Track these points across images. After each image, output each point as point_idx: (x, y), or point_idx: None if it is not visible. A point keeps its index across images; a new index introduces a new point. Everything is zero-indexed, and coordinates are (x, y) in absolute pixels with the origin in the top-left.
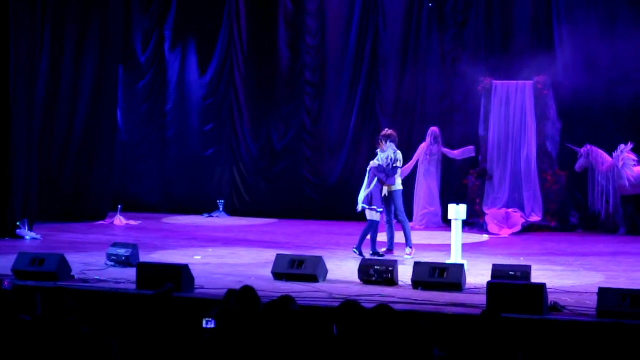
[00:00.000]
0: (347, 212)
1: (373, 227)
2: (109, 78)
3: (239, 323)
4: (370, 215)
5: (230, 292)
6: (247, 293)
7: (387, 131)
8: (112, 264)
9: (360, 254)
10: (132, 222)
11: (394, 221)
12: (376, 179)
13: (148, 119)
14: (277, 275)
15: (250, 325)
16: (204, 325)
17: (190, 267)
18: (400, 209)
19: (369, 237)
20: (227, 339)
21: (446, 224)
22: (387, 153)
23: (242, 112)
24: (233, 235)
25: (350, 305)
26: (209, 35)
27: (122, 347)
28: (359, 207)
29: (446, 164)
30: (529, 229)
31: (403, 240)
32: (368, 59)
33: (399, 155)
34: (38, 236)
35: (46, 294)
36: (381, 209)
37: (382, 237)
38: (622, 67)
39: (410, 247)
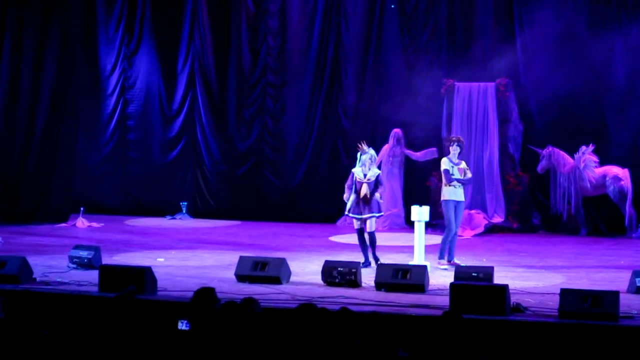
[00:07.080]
0: (309, 214)
1: (372, 237)
2: (70, 81)
3: (196, 325)
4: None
5: None
6: (202, 295)
7: (454, 137)
8: (75, 266)
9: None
10: (95, 225)
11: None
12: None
13: (110, 121)
14: (240, 277)
15: (207, 327)
16: (179, 326)
17: (153, 269)
18: (449, 219)
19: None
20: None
21: (409, 225)
22: (370, 153)
23: (204, 114)
24: (196, 237)
25: (306, 308)
26: (171, 38)
27: (83, 350)
28: (366, 215)
29: (409, 165)
30: (491, 230)
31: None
32: (330, 60)
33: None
34: None
35: (8, 297)
36: (382, 213)
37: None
38: (582, 69)
39: (442, 258)
